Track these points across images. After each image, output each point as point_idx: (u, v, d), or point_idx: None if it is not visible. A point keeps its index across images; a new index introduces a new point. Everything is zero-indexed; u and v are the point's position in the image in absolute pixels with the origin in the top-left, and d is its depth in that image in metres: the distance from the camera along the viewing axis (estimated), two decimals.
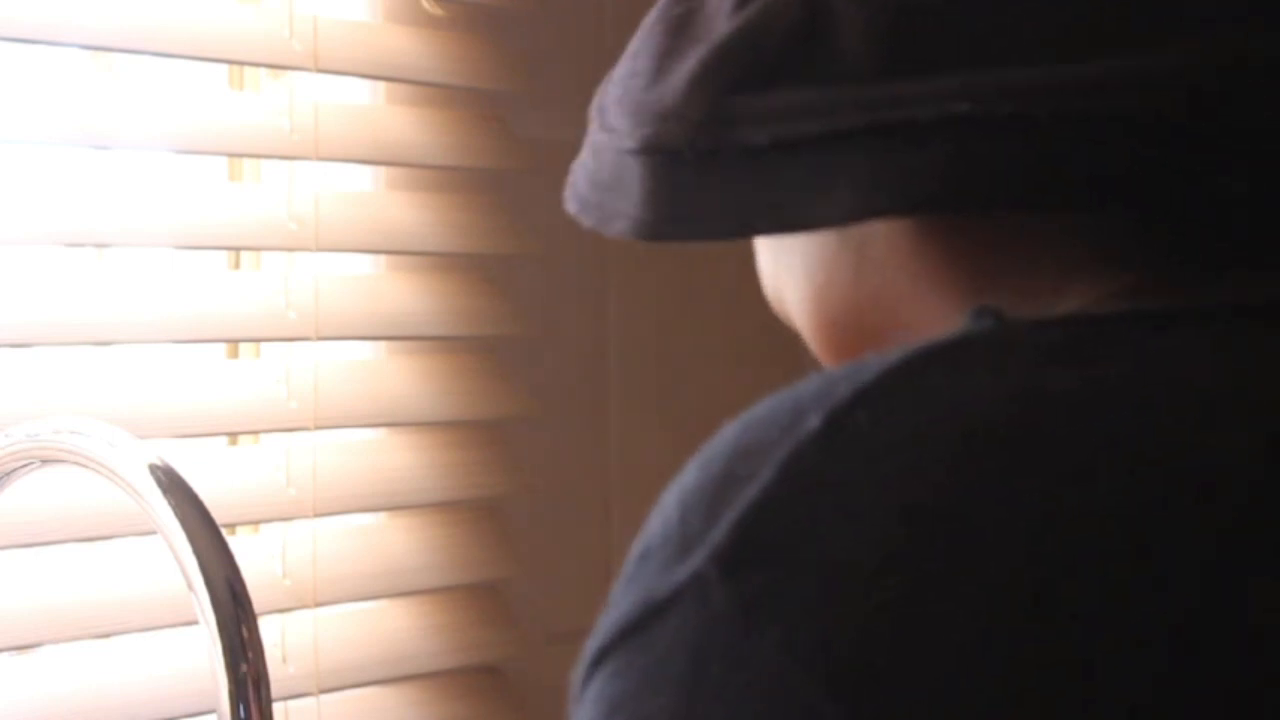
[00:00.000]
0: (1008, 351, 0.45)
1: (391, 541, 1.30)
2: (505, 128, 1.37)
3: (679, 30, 0.54)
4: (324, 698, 1.24)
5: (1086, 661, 0.40)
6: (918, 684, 0.40)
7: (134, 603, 1.13)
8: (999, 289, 0.52)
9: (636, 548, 0.44)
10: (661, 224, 0.52)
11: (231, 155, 1.27)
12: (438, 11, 1.32)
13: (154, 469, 0.93)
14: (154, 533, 0.93)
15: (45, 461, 0.97)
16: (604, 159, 0.54)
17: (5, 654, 1.10)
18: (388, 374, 1.31)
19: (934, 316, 0.53)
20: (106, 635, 1.13)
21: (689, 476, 0.44)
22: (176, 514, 0.92)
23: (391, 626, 1.30)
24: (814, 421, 0.43)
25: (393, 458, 1.30)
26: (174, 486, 0.92)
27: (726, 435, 0.45)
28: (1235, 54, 0.48)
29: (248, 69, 1.29)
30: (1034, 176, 0.48)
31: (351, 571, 1.26)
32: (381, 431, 1.32)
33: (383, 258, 1.33)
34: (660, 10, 0.56)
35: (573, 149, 0.58)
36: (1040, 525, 0.41)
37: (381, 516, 1.31)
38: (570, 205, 0.56)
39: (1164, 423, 0.43)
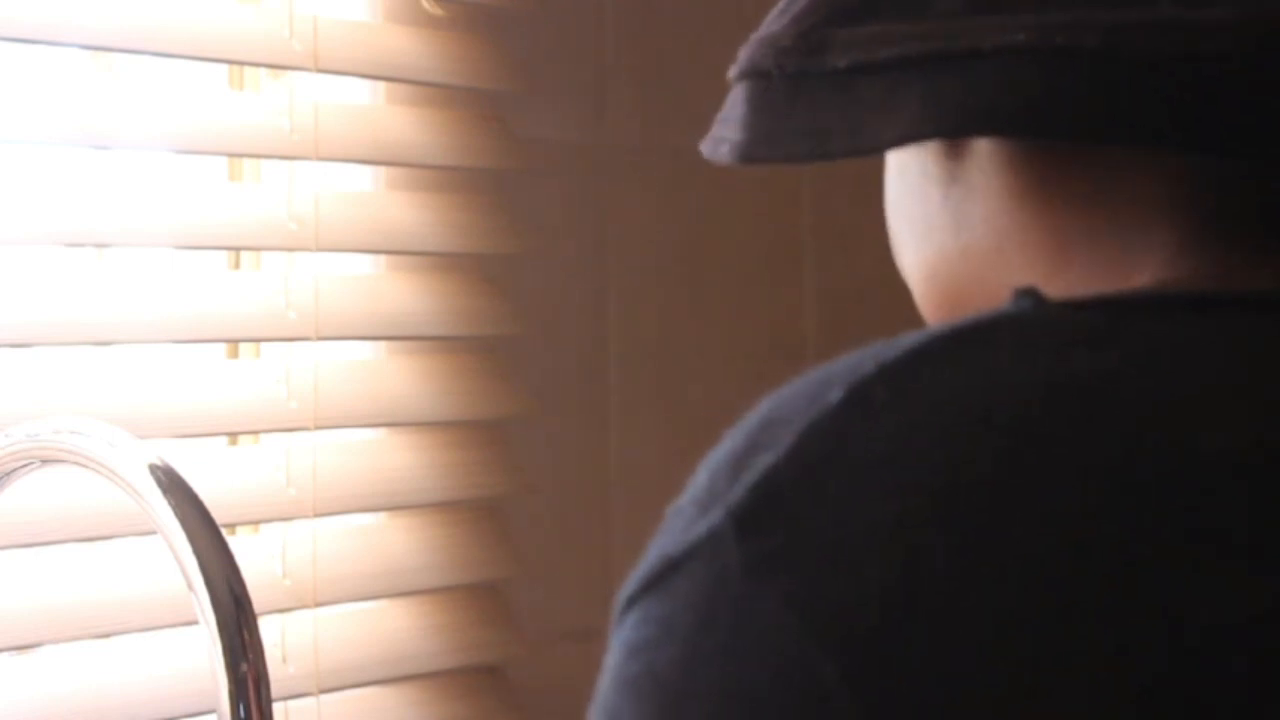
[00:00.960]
0: (1039, 334, 0.46)
1: (391, 541, 1.30)
2: (505, 128, 1.37)
3: None
4: (324, 698, 1.24)
5: (1084, 645, 0.41)
6: (915, 650, 0.41)
7: (134, 603, 1.13)
8: (1074, 261, 0.54)
9: (671, 507, 0.47)
10: (753, 145, 0.55)
11: (231, 155, 1.27)
12: (438, 11, 1.32)
13: (154, 469, 0.93)
14: (154, 533, 0.93)
15: (45, 461, 0.97)
16: (730, 94, 0.58)
17: (5, 654, 1.10)
18: (388, 374, 1.31)
19: (1012, 283, 0.54)
20: (106, 635, 1.13)
21: (722, 444, 0.46)
22: (176, 514, 0.92)
23: (391, 626, 1.30)
24: (835, 394, 0.45)
25: (393, 458, 1.30)
26: (174, 486, 0.92)
27: (760, 407, 0.47)
28: None
29: (248, 69, 1.29)
30: (1082, 107, 0.50)
31: (351, 571, 1.26)
32: (381, 431, 1.32)
33: (383, 258, 1.33)
34: None
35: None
36: (1042, 509, 0.42)
37: (381, 516, 1.31)
38: (702, 144, 0.59)
39: (1175, 412, 0.44)
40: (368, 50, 1.28)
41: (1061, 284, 0.53)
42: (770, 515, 0.44)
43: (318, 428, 1.24)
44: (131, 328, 1.15)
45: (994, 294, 0.55)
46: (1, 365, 1.11)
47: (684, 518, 0.45)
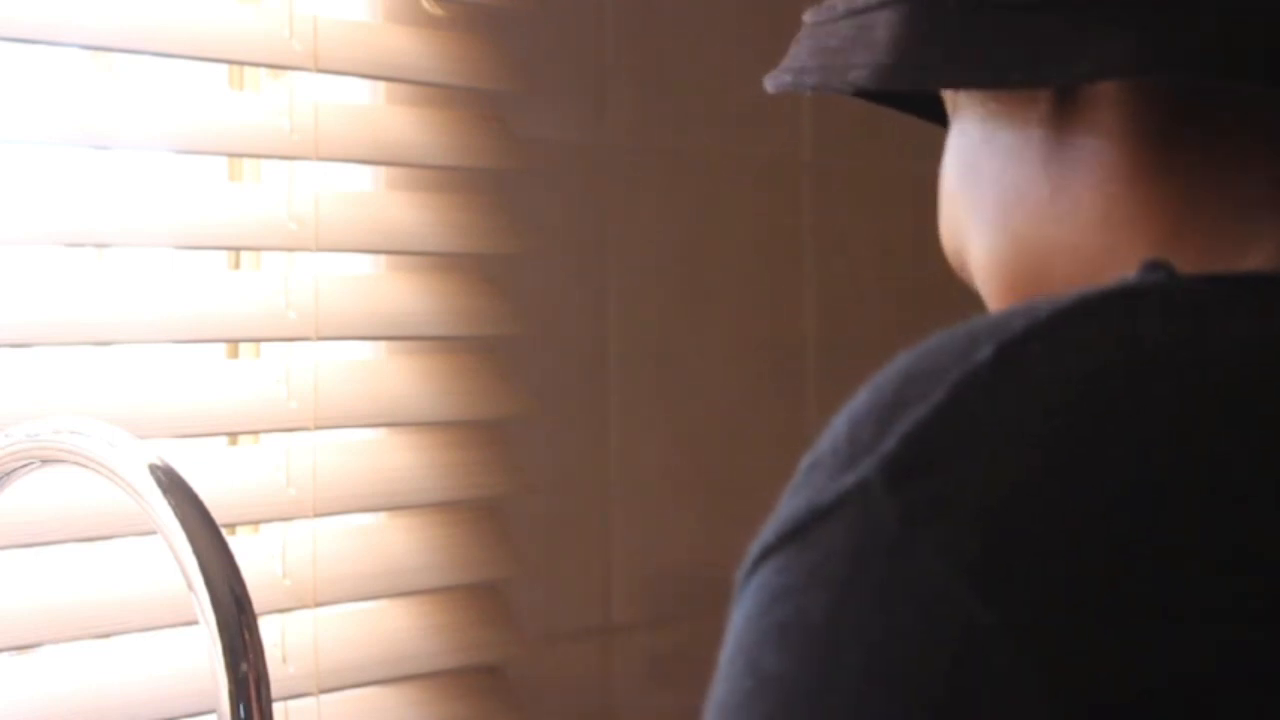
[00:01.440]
0: (1181, 302, 0.47)
1: (391, 541, 1.30)
2: (505, 128, 1.37)
3: None
4: (324, 698, 1.24)
5: (1238, 585, 0.42)
6: (1071, 598, 0.42)
7: (134, 603, 1.13)
8: (1188, 236, 0.54)
9: (804, 461, 0.47)
10: (908, 69, 0.54)
11: (231, 155, 1.27)
12: (438, 11, 1.32)
13: (154, 469, 0.93)
14: (154, 533, 0.93)
15: (45, 461, 0.97)
16: (835, 29, 0.57)
17: (5, 654, 1.10)
18: (388, 374, 1.31)
19: (1108, 261, 0.55)
20: (106, 635, 1.13)
21: (859, 399, 0.47)
22: (176, 514, 0.92)
23: (391, 626, 1.30)
24: (986, 351, 0.46)
25: (393, 458, 1.30)
26: (174, 486, 0.92)
27: (898, 364, 0.47)
28: None
29: (248, 69, 1.29)
30: None
31: (351, 571, 1.26)
32: (381, 431, 1.32)
33: (383, 258, 1.33)
34: None
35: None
36: (1202, 463, 0.43)
37: (381, 516, 1.31)
38: (780, 82, 0.58)
39: None
40: (368, 50, 1.28)
41: (1172, 258, 0.53)
42: (923, 466, 0.44)
43: (318, 428, 1.24)
44: (131, 328, 1.15)
45: (1088, 262, 0.55)
46: (1, 365, 1.11)
47: (825, 470, 0.46)
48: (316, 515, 1.23)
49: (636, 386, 1.49)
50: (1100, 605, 0.42)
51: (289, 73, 1.24)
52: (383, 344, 1.33)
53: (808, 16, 0.59)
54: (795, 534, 0.45)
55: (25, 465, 0.98)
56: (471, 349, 1.36)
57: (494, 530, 1.36)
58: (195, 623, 0.92)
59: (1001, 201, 0.58)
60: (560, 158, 1.43)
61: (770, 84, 0.59)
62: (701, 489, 1.53)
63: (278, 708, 1.17)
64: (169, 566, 0.93)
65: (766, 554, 0.46)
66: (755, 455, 1.55)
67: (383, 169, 1.33)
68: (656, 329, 1.51)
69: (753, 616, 0.46)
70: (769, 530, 0.46)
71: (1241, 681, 0.42)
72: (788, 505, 0.46)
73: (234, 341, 1.27)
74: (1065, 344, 0.46)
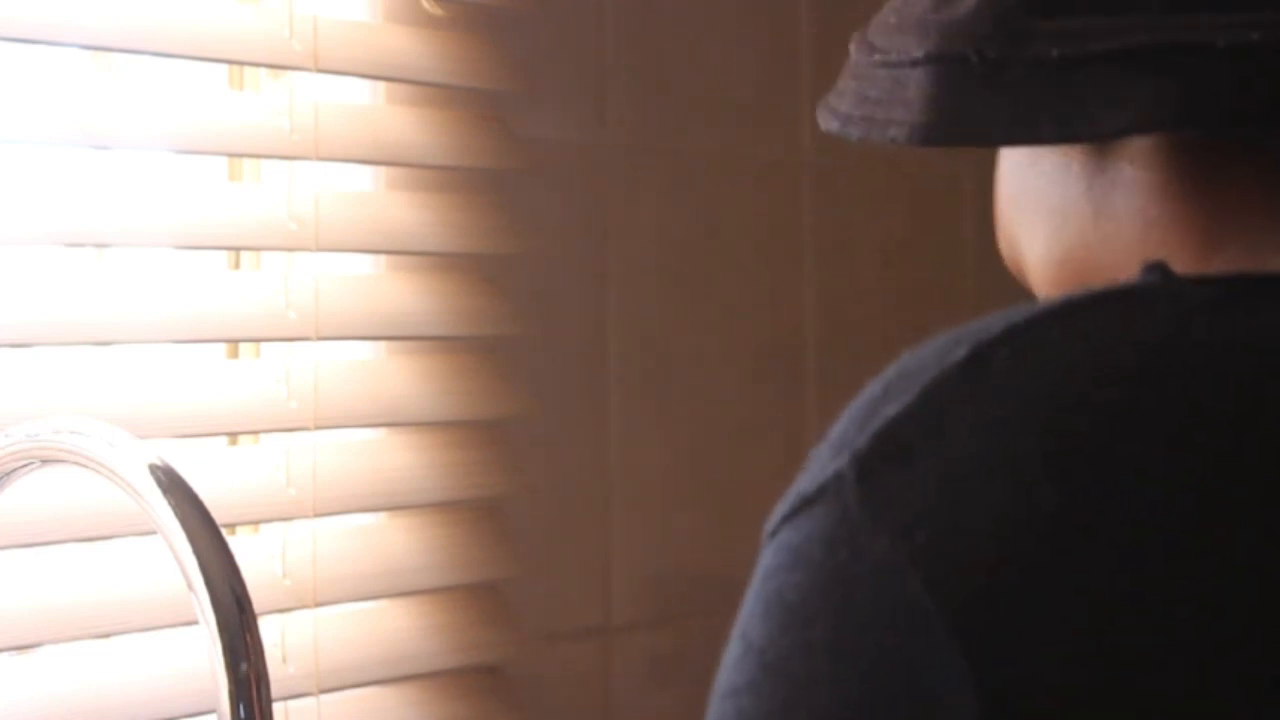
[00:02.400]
0: (1163, 302, 0.49)
1: (391, 541, 1.30)
2: (505, 128, 1.37)
3: None
4: (324, 698, 1.24)
5: (1185, 587, 0.44)
6: (1014, 589, 0.45)
7: (134, 603, 1.13)
8: (1220, 251, 0.55)
9: (814, 448, 0.51)
10: (942, 127, 0.56)
11: (231, 155, 1.27)
12: (438, 11, 1.32)
13: (154, 469, 0.93)
14: (154, 533, 0.93)
15: (45, 461, 0.97)
16: (874, 77, 0.58)
17: (5, 654, 1.10)
18: (388, 374, 1.31)
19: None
20: (106, 635, 1.13)
21: (862, 394, 0.51)
22: (176, 514, 0.92)
23: (391, 626, 1.30)
24: (960, 352, 0.49)
25: (393, 458, 1.30)
26: (174, 486, 0.92)
27: (899, 361, 0.51)
28: None
29: (248, 69, 1.29)
30: None
31: (351, 571, 1.26)
32: (381, 431, 1.32)
33: (383, 258, 1.33)
34: None
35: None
36: (1151, 460, 0.45)
37: (381, 516, 1.31)
38: (829, 124, 0.60)
39: None
40: (368, 50, 1.28)
41: (1205, 269, 0.55)
42: (888, 459, 0.48)
43: (318, 428, 1.24)
44: (131, 328, 1.15)
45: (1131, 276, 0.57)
46: (1, 365, 1.11)
47: (820, 459, 0.50)
48: (316, 515, 1.23)
49: (636, 386, 1.49)
50: (1028, 602, 0.44)
51: (289, 73, 1.24)
52: (383, 344, 1.33)
53: (853, 48, 0.60)
54: (789, 516, 0.50)
55: (25, 465, 0.98)
56: (471, 349, 1.36)
57: (494, 530, 1.36)
58: (195, 623, 0.92)
59: (1049, 221, 0.60)
60: (560, 158, 1.43)
61: (822, 122, 0.60)
62: (701, 489, 1.53)
63: (278, 708, 1.17)
64: (169, 566, 0.93)
65: (772, 534, 0.50)
66: (755, 455, 1.55)
67: (383, 169, 1.32)
68: (656, 329, 1.51)
69: (753, 588, 0.50)
70: (776, 511, 0.51)
71: (1157, 683, 0.44)
72: (792, 489, 0.50)
73: (234, 341, 1.27)
74: (1032, 346, 0.48)
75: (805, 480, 0.50)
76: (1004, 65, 0.55)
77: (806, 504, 0.49)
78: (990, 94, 0.55)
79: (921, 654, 0.45)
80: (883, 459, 0.48)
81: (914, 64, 0.57)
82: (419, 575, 1.30)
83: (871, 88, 0.58)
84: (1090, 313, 0.49)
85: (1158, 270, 0.50)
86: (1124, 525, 0.45)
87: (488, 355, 1.37)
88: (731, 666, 0.50)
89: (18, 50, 1.12)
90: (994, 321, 0.49)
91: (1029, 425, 0.47)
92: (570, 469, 1.45)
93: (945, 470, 0.47)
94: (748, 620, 0.50)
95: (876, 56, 0.59)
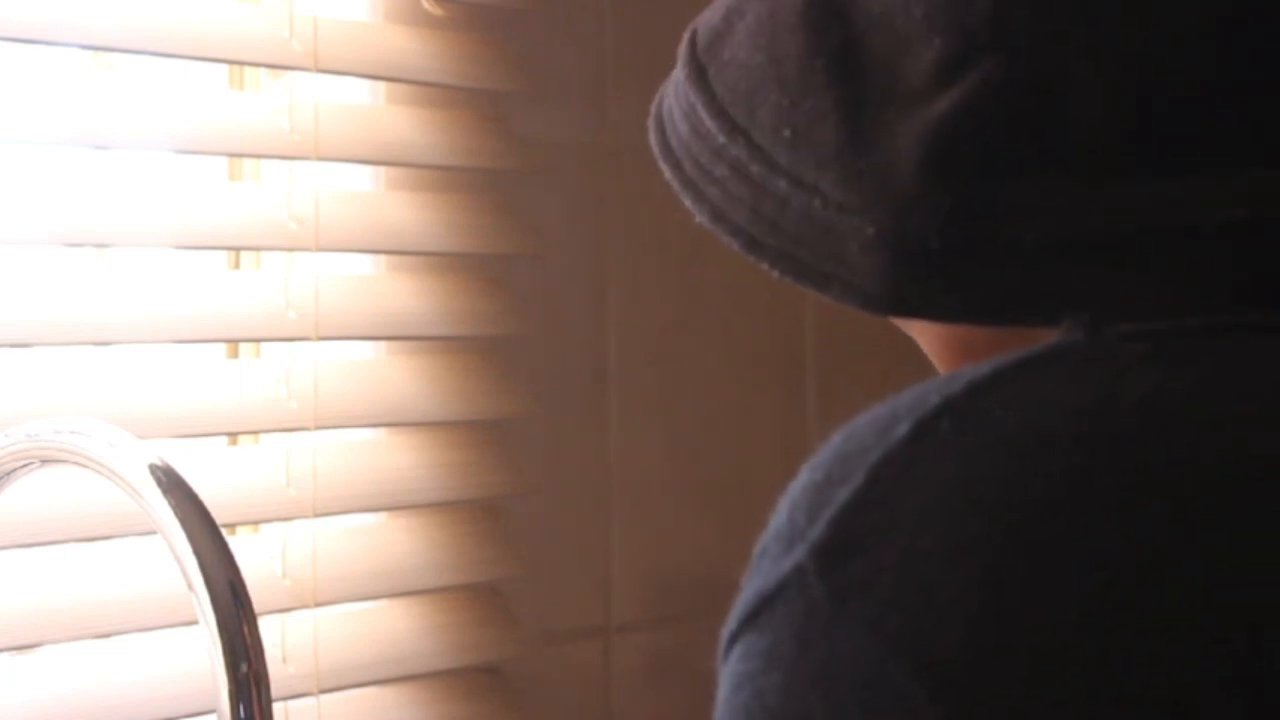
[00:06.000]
0: (1093, 362, 0.48)
1: (391, 541, 1.30)
2: (505, 128, 1.37)
3: (851, 73, 0.55)
4: (324, 698, 1.24)
5: (1148, 657, 0.43)
6: (998, 666, 0.44)
7: (134, 603, 1.13)
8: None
9: (758, 546, 0.49)
10: (899, 308, 0.54)
11: (231, 155, 1.27)
12: (438, 11, 1.32)
13: (154, 469, 0.93)
14: (154, 533, 0.94)
15: (45, 461, 0.97)
16: (788, 208, 0.55)
17: (5, 654, 1.10)
18: (388, 374, 1.31)
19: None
20: (106, 635, 1.13)
21: (799, 481, 0.49)
22: (176, 514, 0.92)
23: (391, 626, 1.30)
24: (903, 429, 0.47)
25: (393, 458, 1.30)
26: (174, 486, 0.92)
27: (832, 442, 0.49)
28: None
29: (248, 69, 1.29)
30: None
31: (351, 571, 1.26)
32: (381, 431, 1.32)
33: (383, 258, 1.33)
34: (806, 31, 0.56)
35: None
36: (1107, 523, 0.45)
37: (381, 516, 1.31)
38: (700, 212, 0.59)
39: (1227, 421, 0.46)
40: (368, 50, 1.28)
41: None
42: (847, 548, 0.46)
43: (318, 428, 1.24)
44: (131, 328, 1.15)
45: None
46: (1, 365, 1.11)
47: (770, 556, 0.48)
48: (316, 515, 1.23)
49: (636, 386, 1.49)
50: (1021, 677, 0.44)
51: (289, 73, 1.24)
52: (383, 344, 1.33)
53: (695, 101, 0.58)
54: (750, 620, 0.48)
55: (25, 465, 0.98)
56: (471, 349, 1.36)
57: (494, 530, 1.36)
58: (195, 623, 0.92)
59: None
60: (560, 158, 1.43)
61: (682, 191, 0.59)
62: (701, 489, 1.53)
63: (278, 708, 1.17)
64: (169, 566, 0.93)
65: (732, 640, 0.49)
66: (755, 455, 1.55)
67: (383, 169, 1.33)
68: (656, 329, 1.51)
69: (724, 700, 0.48)
70: (732, 617, 0.49)
71: None
72: (744, 591, 0.49)
73: (234, 341, 1.27)
74: (975, 415, 0.47)
75: (759, 579, 0.48)
76: (966, 251, 0.52)
77: (767, 603, 0.48)
78: (954, 279, 0.53)
79: None
80: (843, 548, 0.47)
81: (871, 239, 0.53)
82: (419, 575, 1.30)
83: (789, 220, 0.55)
84: (1022, 378, 0.48)
85: (1079, 328, 0.49)
86: (1090, 588, 0.44)
87: (488, 355, 1.37)
88: None
89: (18, 50, 1.12)
90: (927, 394, 0.48)
91: (981, 499, 0.45)
92: (570, 469, 1.45)
93: (906, 551, 0.46)
94: None
95: (756, 168, 0.56)
